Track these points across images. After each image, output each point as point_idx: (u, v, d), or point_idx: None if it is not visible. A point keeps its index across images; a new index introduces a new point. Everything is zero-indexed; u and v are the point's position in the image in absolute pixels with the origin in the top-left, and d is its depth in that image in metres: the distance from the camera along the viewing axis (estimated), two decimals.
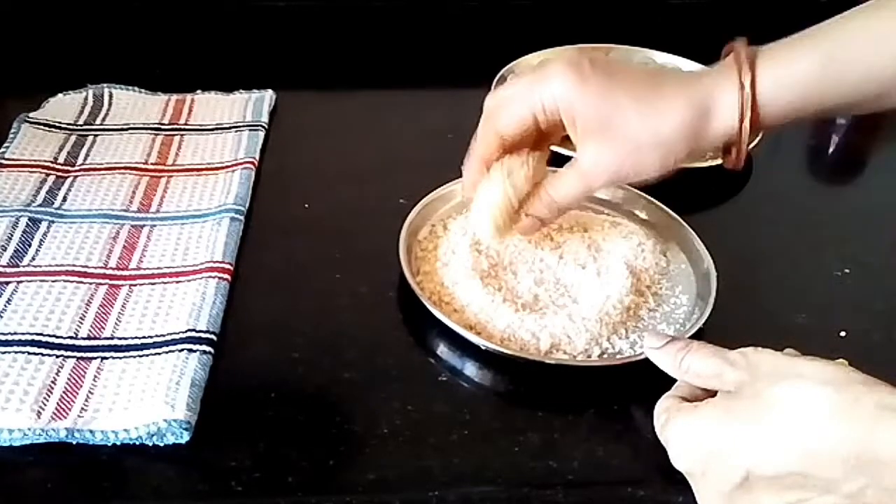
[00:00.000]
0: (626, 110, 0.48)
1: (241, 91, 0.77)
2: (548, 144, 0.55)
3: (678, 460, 0.42)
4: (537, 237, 0.59)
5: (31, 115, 0.72)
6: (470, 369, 0.52)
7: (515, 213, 0.53)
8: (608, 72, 0.49)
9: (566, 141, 0.74)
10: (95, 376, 0.49)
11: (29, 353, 0.49)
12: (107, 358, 0.50)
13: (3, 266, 0.56)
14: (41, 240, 0.58)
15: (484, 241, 0.58)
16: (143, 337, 0.51)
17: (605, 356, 0.52)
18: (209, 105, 0.75)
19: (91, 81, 0.76)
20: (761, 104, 0.48)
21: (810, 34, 0.49)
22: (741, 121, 0.48)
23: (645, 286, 0.58)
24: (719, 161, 0.71)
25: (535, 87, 0.50)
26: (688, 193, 0.61)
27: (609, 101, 0.48)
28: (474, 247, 0.58)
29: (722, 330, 0.54)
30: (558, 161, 0.67)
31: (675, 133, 0.48)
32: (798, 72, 0.48)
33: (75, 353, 0.50)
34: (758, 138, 0.64)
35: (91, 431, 0.45)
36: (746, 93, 0.47)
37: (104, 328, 0.52)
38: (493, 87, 0.77)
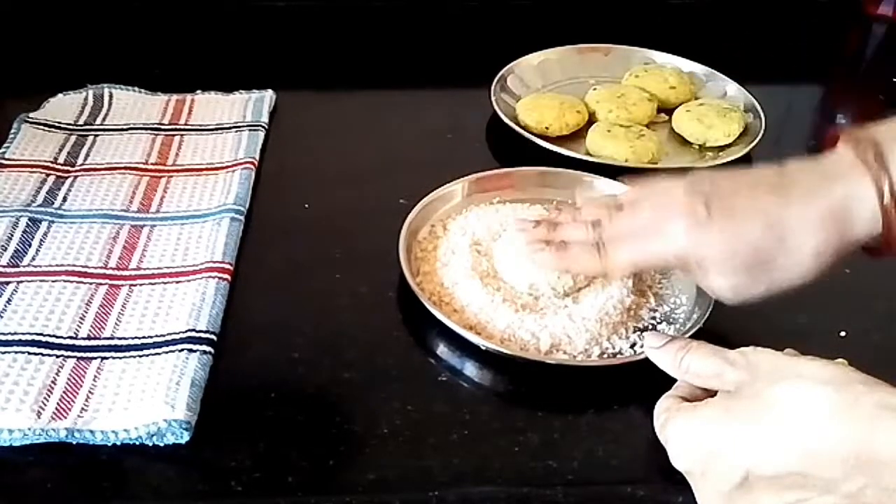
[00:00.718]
0: (757, 243, 0.45)
1: (241, 91, 0.77)
2: None
3: (678, 460, 0.41)
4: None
5: (31, 115, 0.72)
6: (470, 369, 0.52)
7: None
8: (726, 207, 0.46)
9: (567, 140, 0.74)
10: (95, 376, 0.49)
11: (29, 353, 0.49)
12: (107, 358, 0.50)
13: (3, 266, 0.56)
14: (41, 240, 0.58)
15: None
16: (143, 337, 0.51)
17: (605, 356, 0.52)
18: (209, 105, 0.75)
19: (91, 81, 0.76)
20: None
21: None
22: (886, 225, 0.44)
23: (647, 286, 0.58)
24: (717, 161, 0.71)
25: (653, 244, 0.48)
26: None
27: (737, 241, 0.46)
28: (474, 247, 0.58)
29: (722, 330, 0.53)
30: (562, 162, 0.68)
31: (814, 251, 0.45)
32: None
33: (75, 353, 0.50)
34: None
35: (91, 431, 0.45)
36: (887, 202, 0.44)
37: (104, 328, 0.52)
38: (493, 87, 0.77)
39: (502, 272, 0.56)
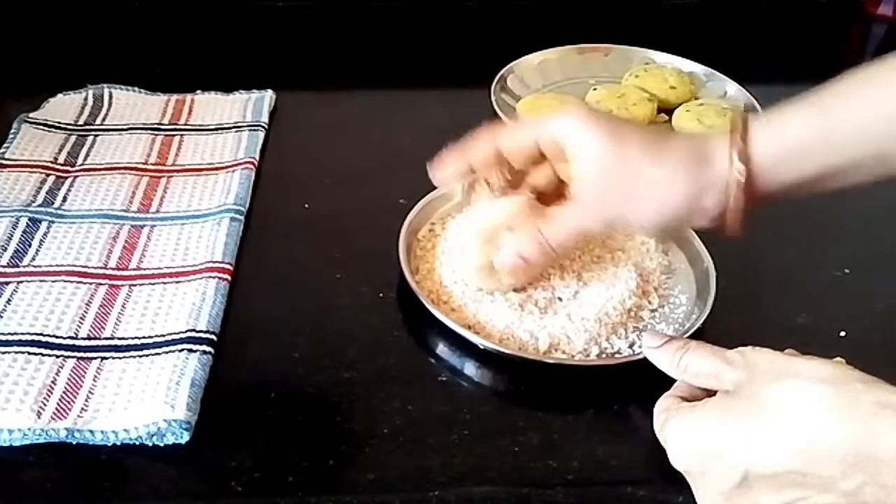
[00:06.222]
0: (632, 147, 0.47)
1: (241, 91, 0.77)
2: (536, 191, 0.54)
3: (677, 460, 0.42)
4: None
5: (31, 115, 0.72)
6: (469, 369, 0.52)
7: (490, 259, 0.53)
8: (618, 119, 0.50)
9: None
10: (95, 376, 0.49)
11: (29, 353, 0.50)
12: (107, 358, 0.50)
13: (3, 266, 0.56)
14: (41, 240, 0.58)
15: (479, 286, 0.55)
16: (143, 337, 0.52)
17: (604, 356, 0.52)
18: (209, 105, 0.75)
19: (91, 81, 0.76)
20: (755, 157, 0.46)
21: (807, 97, 0.47)
22: (731, 166, 0.46)
23: (652, 287, 0.57)
24: None
25: (546, 120, 0.50)
26: None
27: (617, 138, 0.47)
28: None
29: (722, 330, 0.54)
30: None
31: (675, 173, 0.47)
32: (792, 127, 0.47)
33: (75, 353, 0.50)
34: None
35: (91, 431, 0.45)
36: (738, 144, 0.46)
37: (104, 328, 0.52)
38: (493, 87, 0.77)
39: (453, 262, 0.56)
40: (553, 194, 0.53)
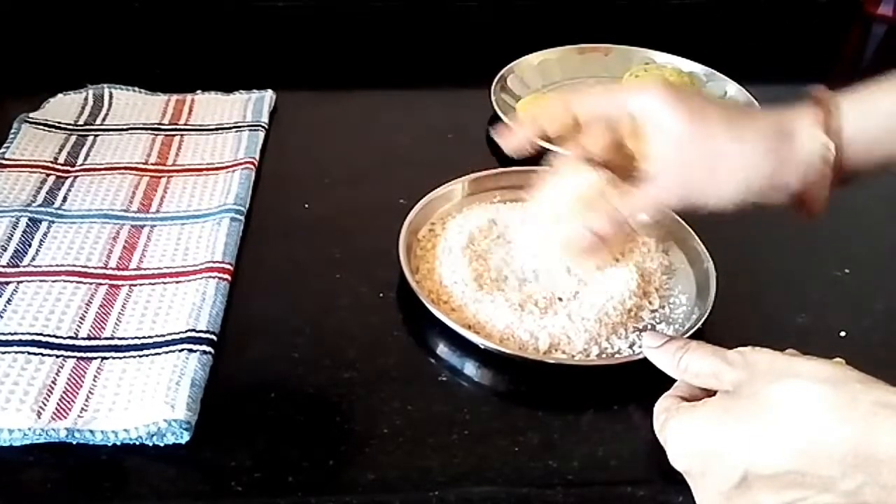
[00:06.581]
0: (713, 125, 0.47)
1: (241, 91, 0.77)
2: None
3: (677, 460, 0.42)
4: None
5: (31, 115, 0.72)
6: (469, 369, 0.52)
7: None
8: (700, 95, 0.50)
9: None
10: (95, 376, 0.49)
11: (29, 353, 0.50)
12: (107, 358, 0.50)
13: (3, 266, 0.56)
14: (41, 240, 0.58)
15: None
16: (143, 337, 0.52)
17: (604, 356, 0.52)
18: (209, 105, 0.75)
19: (91, 81, 0.76)
20: (844, 136, 0.46)
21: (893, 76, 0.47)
22: (825, 146, 0.46)
23: (652, 287, 0.57)
24: None
25: (626, 91, 0.50)
26: None
27: (698, 116, 0.47)
28: (471, 246, 0.58)
29: (722, 330, 0.54)
30: None
31: (757, 149, 0.46)
32: (884, 105, 0.47)
33: (75, 353, 0.50)
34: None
35: (91, 431, 0.45)
36: (833, 122, 0.46)
37: (104, 328, 0.52)
38: (493, 87, 0.77)
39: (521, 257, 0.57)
40: (623, 166, 0.53)
